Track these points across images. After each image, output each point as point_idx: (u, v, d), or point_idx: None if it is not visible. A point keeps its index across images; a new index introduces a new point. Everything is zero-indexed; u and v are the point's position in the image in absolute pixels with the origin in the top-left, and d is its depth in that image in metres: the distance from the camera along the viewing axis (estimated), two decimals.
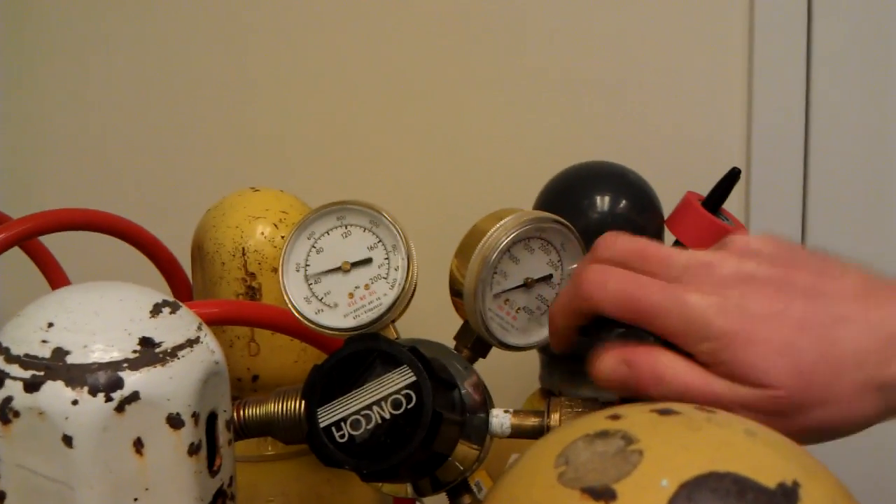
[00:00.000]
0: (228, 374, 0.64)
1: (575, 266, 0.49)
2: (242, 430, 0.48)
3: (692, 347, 0.38)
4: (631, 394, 0.39)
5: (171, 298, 0.39)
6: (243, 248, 0.62)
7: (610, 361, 0.40)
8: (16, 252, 0.74)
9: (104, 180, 0.97)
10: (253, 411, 0.48)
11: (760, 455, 0.23)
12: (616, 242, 0.42)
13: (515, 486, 0.24)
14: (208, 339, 0.39)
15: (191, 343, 0.37)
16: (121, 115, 0.97)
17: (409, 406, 0.36)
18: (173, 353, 0.36)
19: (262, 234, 0.63)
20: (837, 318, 0.37)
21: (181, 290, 0.69)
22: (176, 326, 0.37)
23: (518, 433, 0.46)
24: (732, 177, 0.65)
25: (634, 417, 0.24)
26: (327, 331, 0.48)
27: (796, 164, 0.86)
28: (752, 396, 0.36)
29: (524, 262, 0.47)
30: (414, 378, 0.36)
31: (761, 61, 0.85)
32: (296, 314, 0.48)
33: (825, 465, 0.25)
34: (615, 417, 0.25)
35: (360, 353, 0.37)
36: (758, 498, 0.21)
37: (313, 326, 0.48)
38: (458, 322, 0.49)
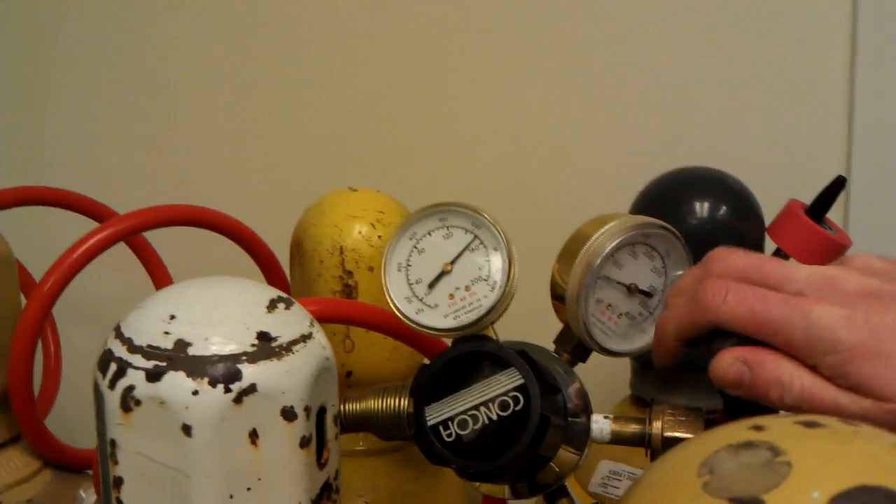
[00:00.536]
0: None
1: (680, 273, 0.48)
2: (342, 425, 0.49)
3: (816, 360, 0.38)
4: (745, 395, 0.38)
5: (284, 294, 0.40)
6: (341, 247, 0.64)
7: (728, 359, 0.40)
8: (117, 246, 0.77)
9: (205, 179, 1.00)
10: (353, 407, 0.49)
11: None
12: (731, 256, 0.42)
13: (655, 495, 0.24)
14: (320, 336, 0.39)
15: (304, 338, 0.38)
16: (214, 111, 1.00)
17: (517, 408, 0.36)
18: (288, 347, 0.37)
19: (360, 233, 0.64)
20: None
21: (278, 286, 0.70)
22: (290, 322, 0.38)
23: (618, 440, 0.46)
24: (838, 185, 0.64)
25: (779, 429, 0.24)
26: (427, 330, 0.48)
27: None
28: (875, 410, 0.35)
29: (628, 267, 0.47)
30: (522, 381, 0.36)
31: (863, 67, 0.82)
32: (397, 313, 0.49)
33: None
34: (758, 428, 0.24)
35: (469, 354, 0.38)
36: None
37: (414, 326, 0.48)
38: (554, 323, 0.49)
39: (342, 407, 0.49)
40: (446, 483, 0.67)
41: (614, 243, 0.46)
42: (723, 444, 0.24)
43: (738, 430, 0.25)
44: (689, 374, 0.65)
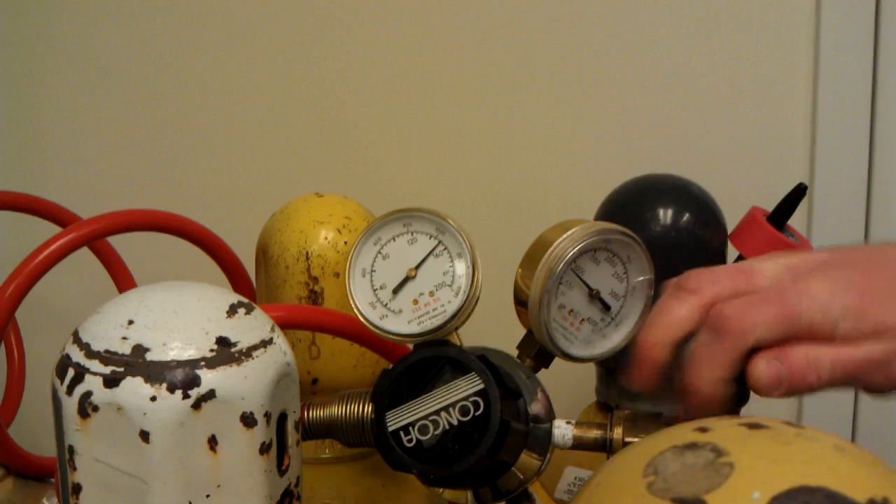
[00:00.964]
0: None
1: (642, 279, 0.48)
2: (306, 432, 0.48)
3: (835, 332, 0.39)
4: (784, 392, 0.40)
5: (245, 300, 0.40)
6: (307, 253, 0.63)
7: (763, 362, 0.40)
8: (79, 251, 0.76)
9: (169, 183, 0.99)
10: (316, 413, 0.49)
11: (850, 470, 0.22)
12: (718, 276, 0.43)
13: (603, 495, 0.24)
14: (281, 341, 0.39)
15: (265, 344, 0.38)
16: (184, 114, 0.99)
17: (477, 413, 0.36)
18: (248, 353, 0.37)
19: (326, 238, 0.64)
20: None
21: (244, 292, 0.70)
22: (251, 327, 0.38)
23: (580, 445, 0.46)
24: (799, 193, 0.65)
25: (723, 431, 0.24)
26: (391, 336, 0.48)
27: (860, 179, 0.85)
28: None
29: (590, 273, 0.47)
30: (482, 386, 0.37)
31: (826, 69, 0.84)
32: (361, 319, 0.49)
33: None
34: (703, 430, 0.25)
35: (430, 359, 0.38)
36: None
37: (378, 331, 0.48)
38: (515, 330, 0.49)
39: (306, 413, 0.49)
40: (413, 490, 0.67)
41: (576, 249, 0.46)
42: (668, 446, 0.24)
43: (683, 432, 0.25)
44: None
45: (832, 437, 0.25)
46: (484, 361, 0.37)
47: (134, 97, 1.00)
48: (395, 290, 0.49)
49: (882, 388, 0.40)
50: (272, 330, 0.39)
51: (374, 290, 0.49)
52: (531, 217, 0.89)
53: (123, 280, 0.77)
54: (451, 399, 0.37)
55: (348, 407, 0.48)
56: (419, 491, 0.67)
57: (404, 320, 0.48)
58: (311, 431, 0.48)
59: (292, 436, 0.40)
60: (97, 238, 0.68)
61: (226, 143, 0.98)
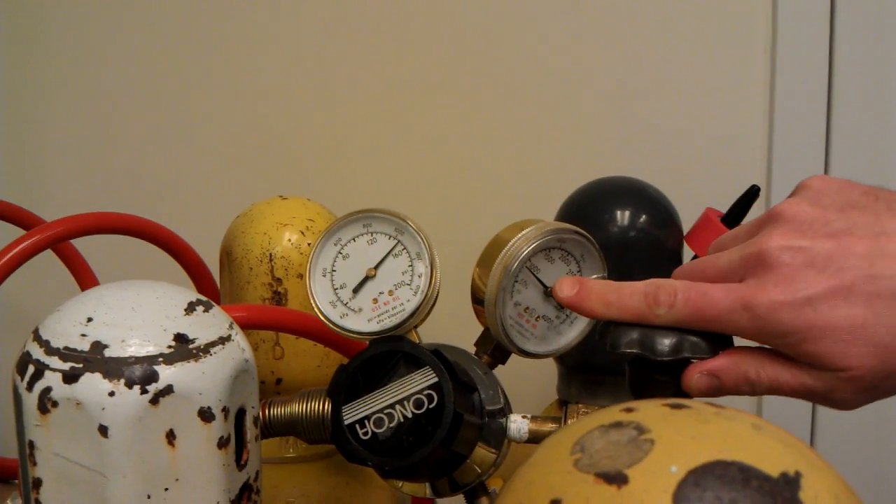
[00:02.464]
0: None
1: (596, 277, 0.50)
2: (267, 429, 0.49)
3: (770, 343, 0.40)
4: (721, 395, 0.41)
5: (204, 298, 0.41)
6: (271, 254, 0.64)
7: (695, 376, 0.42)
8: (46, 253, 0.76)
9: (134, 185, 1.00)
10: (278, 411, 0.50)
11: (765, 446, 0.24)
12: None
13: (533, 472, 0.25)
14: (239, 338, 0.40)
15: (222, 340, 0.39)
16: (150, 117, 0.99)
17: (431, 406, 0.37)
18: (206, 349, 0.38)
19: (289, 240, 0.65)
20: None
21: (208, 293, 0.71)
22: (209, 324, 0.39)
23: (535, 438, 0.47)
24: (751, 194, 0.67)
25: (647, 410, 0.26)
26: (351, 334, 0.49)
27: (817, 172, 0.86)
28: (837, 381, 0.39)
29: (544, 271, 0.48)
30: (436, 379, 0.38)
31: (782, 74, 0.86)
32: (321, 318, 0.49)
33: (827, 460, 0.26)
34: (629, 410, 0.26)
35: (385, 354, 0.39)
36: (761, 485, 0.22)
37: (338, 330, 0.49)
38: (479, 329, 0.50)
39: (267, 411, 0.49)
40: (377, 487, 0.68)
41: (531, 248, 0.47)
42: (596, 425, 0.25)
43: (611, 413, 0.26)
44: (611, 377, 0.67)
45: (751, 416, 0.26)
46: (437, 356, 0.38)
47: (97, 100, 1.00)
48: (356, 290, 0.50)
49: (828, 405, 0.41)
50: (231, 327, 0.40)
51: (335, 290, 0.50)
52: (493, 217, 0.90)
53: (87, 283, 0.77)
54: (406, 392, 0.38)
55: (309, 404, 0.49)
56: (383, 488, 0.68)
57: (364, 319, 0.49)
58: (272, 429, 0.49)
59: (251, 431, 0.40)
60: (60, 241, 0.69)
61: (191, 146, 0.99)
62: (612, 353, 0.44)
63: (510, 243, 0.48)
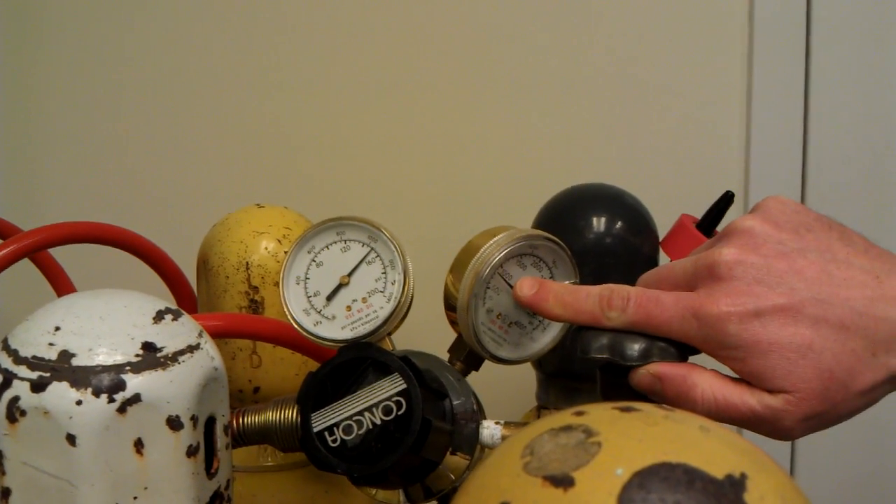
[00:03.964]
0: (230, 385, 0.66)
1: (567, 283, 0.50)
2: (241, 438, 0.49)
3: (716, 354, 0.41)
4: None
5: (173, 306, 0.41)
6: (247, 263, 0.64)
7: (641, 371, 0.42)
8: (24, 262, 0.76)
9: (111, 193, 0.99)
10: (251, 419, 0.50)
11: (711, 449, 0.24)
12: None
13: (485, 475, 0.25)
14: (209, 346, 0.40)
15: (191, 349, 0.39)
16: (127, 127, 0.99)
17: (400, 412, 0.38)
18: (174, 357, 0.38)
19: (266, 249, 0.65)
20: (850, 311, 0.39)
21: (186, 302, 0.71)
22: (177, 333, 0.39)
23: None
24: (726, 200, 0.67)
25: (597, 413, 0.26)
26: (325, 342, 0.49)
27: (794, 186, 0.87)
28: (786, 405, 0.39)
29: (517, 277, 0.49)
30: (404, 385, 0.38)
31: (760, 83, 0.86)
32: (295, 326, 0.50)
33: (775, 461, 0.26)
34: (579, 413, 0.26)
35: (354, 361, 0.39)
36: (706, 487, 0.23)
37: (311, 338, 0.49)
38: (454, 335, 0.51)
39: (241, 419, 0.49)
40: (355, 496, 0.68)
41: (502, 254, 0.48)
42: (546, 429, 0.26)
43: (562, 417, 0.27)
44: (589, 384, 0.67)
45: (700, 419, 0.26)
46: (406, 362, 0.38)
47: (76, 108, 1.00)
48: (329, 297, 0.50)
49: (772, 434, 0.41)
50: (200, 336, 0.40)
51: (308, 298, 0.50)
52: (472, 223, 0.91)
53: (65, 292, 0.77)
54: (375, 399, 0.38)
55: (282, 412, 0.49)
56: (362, 497, 0.68)
57: (338, 326, 0.49)
58: (245, 438, 0.49)
59: (221, 439, 0.40)
60: (37, 250, 0.68)
61: (169, 154, 0.99)
62: (583, 358, 0.45)
63: (482, 250, 0.48)
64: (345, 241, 0.51)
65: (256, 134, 0.97)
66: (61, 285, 0.77)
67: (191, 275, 0.71)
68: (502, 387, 0.74)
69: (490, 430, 0.47)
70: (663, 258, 0.69)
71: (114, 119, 0.99)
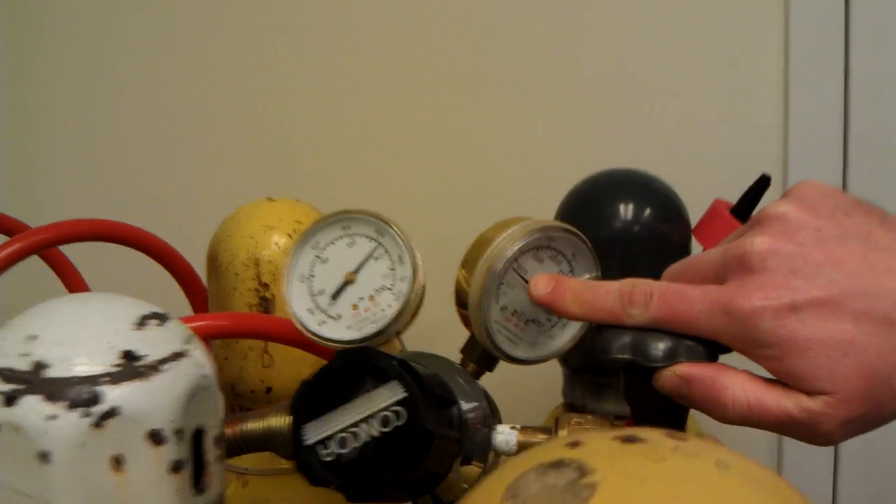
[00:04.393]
0: (241, 386, 0.64)
1: (588, 276, 0.47)
2: (243, 445, 0.47)
3: (749, 353, 0.37)
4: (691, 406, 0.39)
5: (160, 311, 0.38)
6: (257, 259, 0.62)
7: (668, 372, 0.39)
8: (38, 261, 0.74)
9: (116, 190, 0.98)
10: (254, 425, 0.47)
11: (730, 491, 0.20)
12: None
13: None
14: (197, 353, 0.37)
15: (176, 356, 0.36)
16: (130, 123, 0.97)
17: (399, 424, 0.35)
18: (156, 366, 0.35)
19: (276, 244, 0.62)
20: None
21: (198, 300, 0.69)
22: (161, 339, 0.36)
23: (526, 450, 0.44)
24: (762, 183, 0.63)
25: (595, 444, 0.22)
26: (331, 343, 0.47)
27: (835, 167, 0.82)
28: (826, 408, 0.35)
29: (533, 272, 0.45)
30: (405, 394, 0.35)
31: (797, 57, 0.81)
32: (298, 326, 0.47)
33: (807, 499, 0.22)
34: (574, 445, 0.23)
35: (350, 367, 0.36)
36: None
37: (316, 339, 0.47)
38: (468, 334, 0.47)
39: (242, 426, 0.47)
40: None
41: (516, 247, 0.44)
42: (534, 464, 0.22)
43: (554, 448, 0.23)
44: (617, 380, 0.63)
45: (719, 450, 0.23)
46: (406, 368, 0.35)
47: (78, 105, 0.98)
48: (335, 296, 0.47)
49: (810, 440, 0.38)
50: (187, 342, 0.37)
51: (313, 296, 0.48)
52: (486, 217, 0.88)
53: (78, 290, 0.75)
54: (372, 409, 0.35)
55: (287, 418, 0.46)
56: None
57: (343, 326, 0.47)
58: (247, 445, 0.46)
59: (212, 452, 0.38)
60: (42, 248, 0.67)
61: (176, 149, 0.96)
62: (604, 359, 0.41)
63: (494, 243, 0.45)
64: (351, 236, 0.48)
65: (265, 128, 0.94)
66: (73, 283, 0.75)
67: (203, 272, 0.69)
68: (526, 383, 0.71)
69: (504, 435, 0.44)
70: (696, 247, 0.65)
71: (117, 115, 0.97)
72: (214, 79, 0.94)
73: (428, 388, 0.35)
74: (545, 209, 0.67)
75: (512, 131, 0.88)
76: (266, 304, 0.62)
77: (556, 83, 0.86)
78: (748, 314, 0.37)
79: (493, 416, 0.45)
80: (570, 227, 0.45)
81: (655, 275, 0.46)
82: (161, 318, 0.38)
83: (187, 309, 0.72)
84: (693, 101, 0.83)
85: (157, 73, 0.96)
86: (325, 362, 0.62)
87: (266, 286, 0.62)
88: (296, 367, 0.62)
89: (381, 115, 0.91)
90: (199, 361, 0.37)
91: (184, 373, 0.36)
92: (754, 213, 0.64)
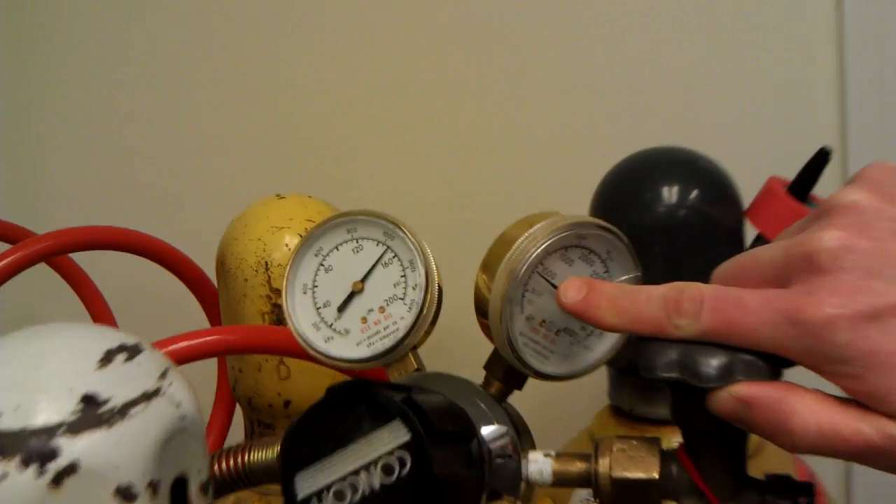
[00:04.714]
0: (258, 400, 0.59)
1: (625, 278, 0.41)
2: (247, 478, 0.42)
3: (821, 370, 0.32)
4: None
5: (131, 342, 0.33)
6: (267, 263, 0.57)
7: (723, 395, 0.33)
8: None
9: (130, 192, 0.93)
10: (260, 455, 0.42)
11: None
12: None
13: None
14: (174, 389, 0.33)
15: (147, 397, 0.31)
16: (141, 123, 0.93)
17: (403, 472, 0.29)
18: (123, 411, 0.30)
19: (287, 246, 0.57)
20: None
21: (211, 306, 0.64)
22: (130, 377, 0.32)
23: (562, 481, 0.39)
24: (822, 157, 0.56)
25: None
26: (339, 362, 0.42)
27: None
28: None
29: (562, 276, 0.40)
30: (409, 436, 0.30)
31: (854, 19, 0.74)
32: (302, 343, 0.42)
33: None
34: None
35: (345, 404, 0.31)
36: None
37: (323, 358, 0.42)
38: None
39: (247, 456, 0.42)
40: None
41: (541, 248, 0.39)
42: None
43: None
44: None
45: None
46: (409, 403, 0.30)
47: (97, 103, 0.94)
48: (341, 308, 0.42)
49: (892, 472, 0.32)
50: (163, 377, 0.33)
51: (318, 309, 0.43)
52: (517, 214, 0.82)
53: (91, 299, 0.71)
54: (373, 455, 0.30)
55: None
56: None
57: (352, 342, 0.42)
58: (252, 477, 0.42)
59: (199, 500, 0.33)
60: (47, 257, 0.63)
61: (194, 149, 0.92)
62: (647, 378, 0.36)
63: (516, 244, 0.39)
64: (356, 240, 0.43)
65: (274, 125, 0.89)
66: (85, 292, 0.71)
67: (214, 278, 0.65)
68: (568, 384, 0.66)
69: (538, 464, 0.39)
70: (749, 232, 0.59)
71: (118, 118, 0.93)
72: (221, 76, 0.90)
73: (438, 425, 0.30)
74: (579, 201, 0.61)
75: (541, 114, 0.81)
76: (279, 311, 0.57)
77: (590, 59, 0.80)
78: (821, 325, 0.31)
79: (524, 440, 0.40)
80: (604, 223, 0.40)
81: (705, 266, 0.40)
82: (131, 350, 0.33)
83: (202, 316, 0.68)
84: (738, 66, 0.76)
85: (160, 72, 0.92)
86: (344, 376, 0.57)
87: (278, 292, 0.57)
88: (315, 378, 0.58)
89: (402, 102, 0.85)
90: (177, 399, 0.33)
91: (157, 415, 0.31)
92: (815, 192, 0.57)
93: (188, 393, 0.34)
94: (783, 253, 0.34)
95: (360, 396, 0.31)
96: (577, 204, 0.59)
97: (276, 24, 0.88)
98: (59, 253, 0.65)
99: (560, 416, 0.69)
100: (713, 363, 0.34)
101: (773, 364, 0.34)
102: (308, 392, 0.58)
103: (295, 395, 0.58)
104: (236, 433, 0.66)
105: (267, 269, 0.57)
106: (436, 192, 0.84)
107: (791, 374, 0.35)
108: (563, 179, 0.73)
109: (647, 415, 0.60)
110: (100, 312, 0.69)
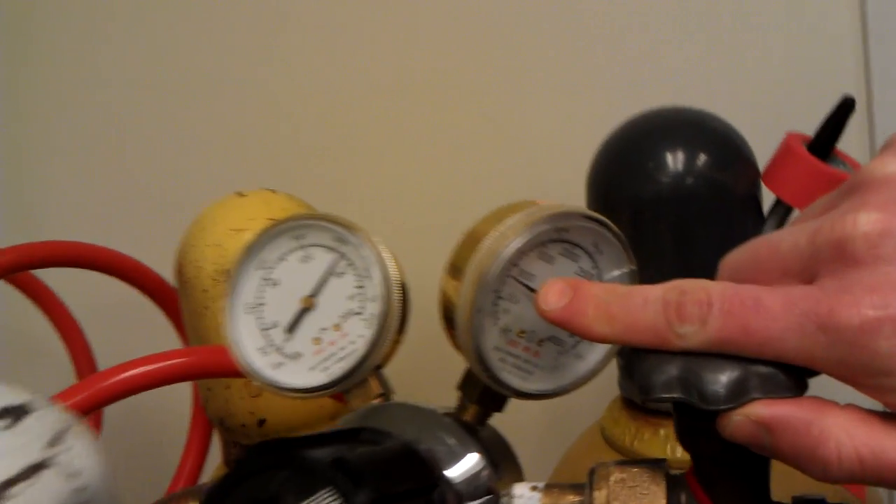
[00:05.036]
0: (230, 420, 0.54)
1: (617, 273, 0.35)
2: None
3: (858, 383, 0.26)
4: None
5: (20, 399, 0.28)
6: (227, 271, 0.51)
7: (739, 417, 0.28)
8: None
9: (127, 196, 0.88)
10: None
11: None
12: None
13: None
14: (70, 457, 0.27)
15: (32, 471, 0.26)
16: (125, 132, 0.87)
17: None
18: (0, 493, 0.25)
19: None
20: None
21: (179, 320, 0.59)
22: (11, 449, 0.26)
23: None
24: (845, 108, 0.50)
25: None
26: (291, 393, 0.36)
27: None
28: None
29: (542, 277, 0.33)
30: None
31: None
32: (247, 370, 0.37)
33: None
34: None
35: (264, 470, 0.25)
36: None
37: (272, 388, 0.36)
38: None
39: None
40: None
41: (513, 248, 0.32)
42: None
43: None
44: None
45: None
46: (339, 465, 0.24)
47: (89, 104, 0.89)
48: (290, 328, 0.37)
49: None
50: (54, 441, 0.27)
51: (264, 331, 0.37)
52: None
53: (57, 315, 0.66)
54: None
55: None
56: None
57: (305, 367, 0.36)
58: None
59: None
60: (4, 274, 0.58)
61: (192, 149, 0.86)
62: (644, 399, 0.30)
63: (485, 241, 0.33)
64: (304, 248, 0.37)
65: (269, 128, 0.83)
66: (52, 309, 0.66)
67: None
68: None
69: (524, 499, 0.33)
70: (767, 197, 0.52)
71: (117, 118, 0.87)
72: (220, 76, 0.84)
73: (382, 487, 0.24)
74: (579, 201, 0.54)
75: (541, 115, 0.74)
76: None
77: (590, 58, 0.72)
78: (857, 329, 0.25)
79: (506, 471, 0.34)
80: (588, 212, 0.33)
81: (720, 242, 0.34)
82: (16, 413, 0.27)
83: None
84: (749, 17, 0.68)
85: (150, 73, 0.86)
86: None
87: None
88: None
89: (396, 108, 0.79)
90: (74, 468, 0.27)
91: (44, 493, 0.26)
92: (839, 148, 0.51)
93: (92, 457, 0.28)
94: (808, 239, 0.27)
95: (283, 461, 0.25)
96: (578, 204, 0.53)
97: (273, 23, 0.82)
98: (16, 270, 0.60)
99: (565, 406, 0.63)
100: (722, 380, 0.28)
101: (796, 377, 0.28)
102: (282, 410, 0.52)
103: (269, 413, 0.52)
104: (218, 454, 0.61)
105: (228, 278, 0.51)
106: (436, 192, 0.78)
107: (815, 382, 0.29)
108: (563, 179, 0.67)
109: (660, 407, 0.54)
110: (67, 328, 0.64)
